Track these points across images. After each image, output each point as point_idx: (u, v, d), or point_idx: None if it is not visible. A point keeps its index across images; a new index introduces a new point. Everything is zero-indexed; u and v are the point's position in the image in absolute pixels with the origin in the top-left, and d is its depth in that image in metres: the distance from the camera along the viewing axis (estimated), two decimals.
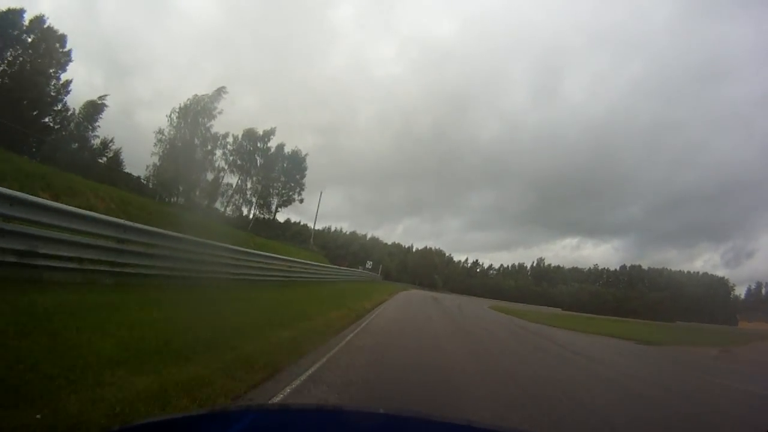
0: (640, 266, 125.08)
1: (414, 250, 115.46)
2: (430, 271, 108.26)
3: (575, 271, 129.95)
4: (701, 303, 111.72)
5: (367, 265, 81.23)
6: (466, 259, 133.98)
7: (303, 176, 58.21)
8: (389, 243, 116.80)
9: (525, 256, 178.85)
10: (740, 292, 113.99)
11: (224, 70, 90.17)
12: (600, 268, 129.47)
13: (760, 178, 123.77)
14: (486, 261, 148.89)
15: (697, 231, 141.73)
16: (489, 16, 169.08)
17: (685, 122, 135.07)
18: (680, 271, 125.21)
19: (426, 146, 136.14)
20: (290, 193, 57.57)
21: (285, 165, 56.42)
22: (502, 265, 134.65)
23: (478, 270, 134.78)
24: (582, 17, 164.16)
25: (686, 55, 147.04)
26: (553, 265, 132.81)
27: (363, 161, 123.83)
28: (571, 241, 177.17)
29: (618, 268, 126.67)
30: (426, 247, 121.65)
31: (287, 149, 56.89)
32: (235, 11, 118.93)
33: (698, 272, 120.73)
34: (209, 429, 1.14)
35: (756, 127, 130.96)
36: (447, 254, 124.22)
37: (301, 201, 58.34)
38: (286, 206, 58.44)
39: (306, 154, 58.89)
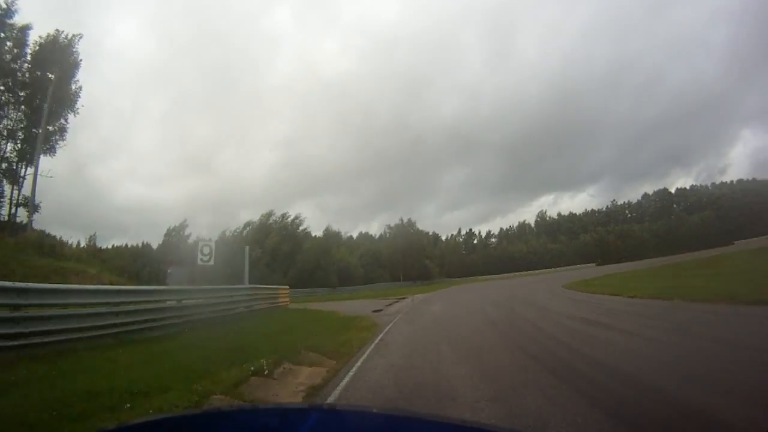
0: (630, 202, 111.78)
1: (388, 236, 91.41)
2: (417, 256, 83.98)
3: (575, 218, 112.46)
4: (750, 216, 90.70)
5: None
6: (459, 231, 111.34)
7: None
8: (354, 237, 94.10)
9: (504, 224, 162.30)
10: None
11: (170, 104, 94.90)
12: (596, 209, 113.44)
13: (721, 94, 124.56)
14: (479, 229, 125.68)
15: (668, 160, 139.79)
16: None
17: (641, 55, 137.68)
18: (707, 186, 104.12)
19: (390, 136, 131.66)
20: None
21: None
22: (502, 228, 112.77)
23: (475, 242, 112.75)
24: None
25: None
26: (553, 216, 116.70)
27: (328, 165, 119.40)
28: (547, 199, 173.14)
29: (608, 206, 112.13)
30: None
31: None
32: (169, 41, 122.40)
33: (731, 181, 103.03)
34: (204, 429, 1.16)
35: (711, 45, 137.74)
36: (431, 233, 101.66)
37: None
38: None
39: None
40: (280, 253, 62.90)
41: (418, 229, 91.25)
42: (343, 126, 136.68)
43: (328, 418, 1.14)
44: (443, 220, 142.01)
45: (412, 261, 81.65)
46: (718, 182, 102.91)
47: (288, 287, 28.32)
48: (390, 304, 24.46)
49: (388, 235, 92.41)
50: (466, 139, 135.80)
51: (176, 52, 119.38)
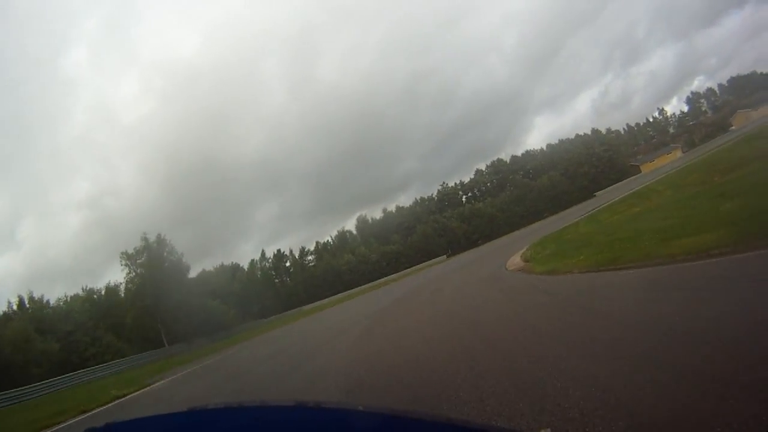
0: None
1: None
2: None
3: (404, 212, 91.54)
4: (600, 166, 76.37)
5: None
6: (263, 254, 79.37)
7: None
8: None
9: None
10: None
11: None
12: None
13: (513, 91, 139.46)
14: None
15: (472, 157, 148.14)
16: (231, 19, 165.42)
17: (437, 66, 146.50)
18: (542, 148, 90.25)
19: (198, 179, 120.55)
20: None
21: None
22: (318, 242, 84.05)
23: (288, 264, 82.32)
24: None
25: (430, 3, 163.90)
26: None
27: (137, 221, 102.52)
28: (360, 215, 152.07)
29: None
30: None
31: None
32: None
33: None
34: (189, 428, 1.20)
35: (502, 48, 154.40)
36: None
37: None
38: None
39: None
40: None
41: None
42: (149, 176, 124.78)
43: (312, 417, 1.13)
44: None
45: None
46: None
47: None
48: None
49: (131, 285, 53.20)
50: (276, 170, 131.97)
51: None
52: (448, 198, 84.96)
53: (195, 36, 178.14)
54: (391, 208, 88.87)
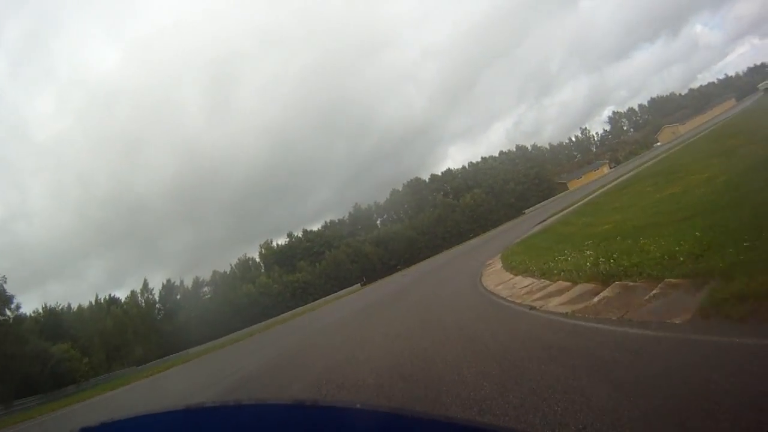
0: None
1: None
2: None
3: (313, 235, 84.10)
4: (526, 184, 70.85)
5: None
6: (145, 284, 66.04)
7: None
8: None
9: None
10: None
11: None
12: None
13: (429, 121, 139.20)
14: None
15: (386, 187, 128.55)
16: (153, 40, 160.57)
17: (356, 95, 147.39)
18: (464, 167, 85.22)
19: (112, 206, 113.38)
20: None
21: None
22: (216, 270, 72.44)
23: (179, 296, 69.66)
24: (250, 21, 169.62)
25: (349, 36, 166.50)
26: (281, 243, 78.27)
27: (48, 249, 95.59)
28: (265, 241, 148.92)
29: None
30: None
31: None
32: None
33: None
34: (187, 426, 1.20)
35: (420, 79, 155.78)
36: None
37: None
38: None
39: None
40: None
41: None
42: (59, 201, 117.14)
43: (314, 415, 1.12)
44: None
45: None
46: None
47: None
48: None
49: None
50: (191, 197, 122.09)
51: None
52: (361, 221, 76.26)
53: (116, 54, 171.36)
54: (299, 232, 78.57)
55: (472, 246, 43.03)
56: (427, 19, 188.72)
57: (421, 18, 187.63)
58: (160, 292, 73.13)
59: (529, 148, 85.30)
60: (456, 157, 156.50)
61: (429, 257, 63.50)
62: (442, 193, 75.66)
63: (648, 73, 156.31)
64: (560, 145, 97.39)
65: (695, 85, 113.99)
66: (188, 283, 74.60)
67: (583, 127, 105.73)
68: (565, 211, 29.33)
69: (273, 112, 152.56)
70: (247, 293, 68.42)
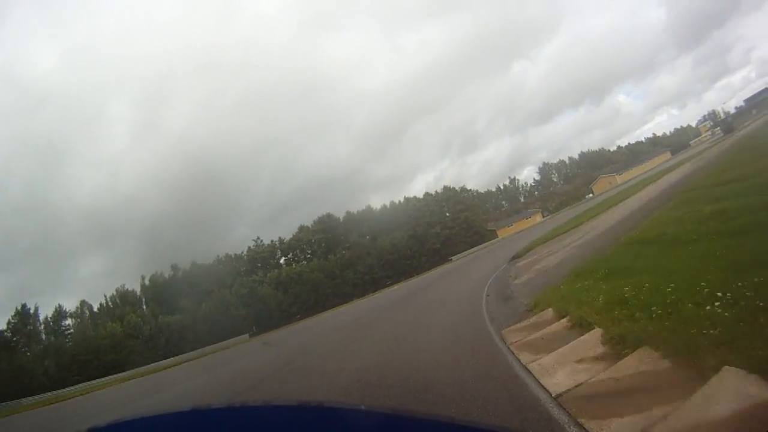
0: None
1: None
2: None
3: (201, 270, 71.90)
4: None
5: None
6: None
7: None
8: None
9: None
10: None
11: None
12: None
13: (354, 167, 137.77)
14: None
15: None
16: (94, 44, 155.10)
17: (285, 134, 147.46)
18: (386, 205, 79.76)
19: (23, 217, 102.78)
20: None
21: None
22: (84, 300, 59.34)
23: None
24: (188, 43, 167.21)
25: (285, 72, 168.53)
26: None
27: None
28: (154, 273, 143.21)
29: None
30: None
31: None
32: None
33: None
34: (192, 427, 1.22)
35: (349, 125, 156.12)
36: None
37: None
38: None
39: None
40: None
41: None
42: None
43: (318, 417, 1.15)
44: None
45: None
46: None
47: None
48: None
49: None
50: (107, 219, 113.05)
51: None
52: (261, 257, 66.79)
53: (53, 53, 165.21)
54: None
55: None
56: (363, 67, 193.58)
57: (357, 64, 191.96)
58: (9, 319, 59.55)
59: (458, 189, 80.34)
60: (377, 206, 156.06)
61: (337, 306, 55.42)
62: (357, 233, 68.19)
63: (569, 137, 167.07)
64: (488, 192, 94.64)
65: (623, 143, 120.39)
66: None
67: (512, 176, 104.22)
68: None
69: (199, 139, 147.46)
70: (111, 333, 56.49)
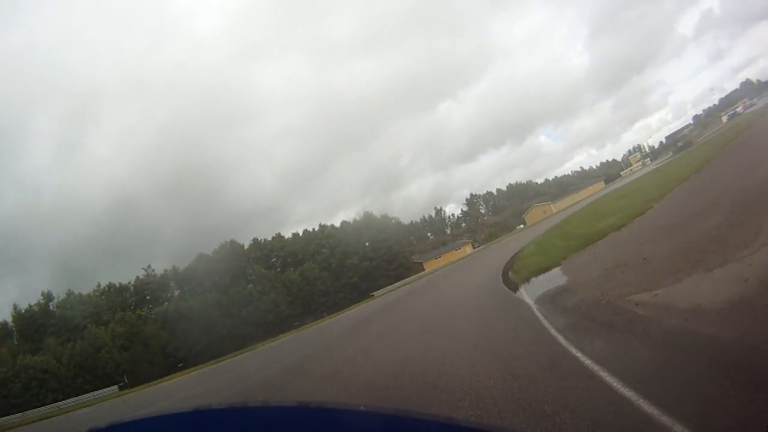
0: None
1: None
2: None
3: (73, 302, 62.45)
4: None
5: None
6: None
7: None
8: None
9: None
10: None
11: None
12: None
13: (276, 202, 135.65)
14: None
15: None
16: (24, 51, 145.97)
17: (209, 164, 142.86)
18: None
19: None
20: None
21: None
22: None
23: None
24: (126, 61, 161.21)
25: (213, 101, 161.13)
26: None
27: None
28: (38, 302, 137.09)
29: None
30: None
31: None
32: None
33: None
34: (193, 428, 1.23)
35: (274, 159, 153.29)
36: None
37: None
38: None
39: None
40: None
41: None
42: None
43: (318, 417, 1.17)
44: None
45: None
46: None
47: None
48: None
49: None
50: (20, 245, 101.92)
51: None
52: (150, 289, 59.66)
53: None
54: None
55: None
56: (291, 100, 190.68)
57: (285, 98, 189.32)
58: None
59: (379, 217, 76.99)
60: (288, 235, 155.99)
61: (234, 354, 49.22)
62: (264, 264, 62.70)
63: (491, 175, 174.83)
64: (412, 224, 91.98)
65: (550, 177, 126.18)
66: None
67: (438, 207, 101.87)
68: None
69: (124, 164, 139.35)
70: None
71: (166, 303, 56.08)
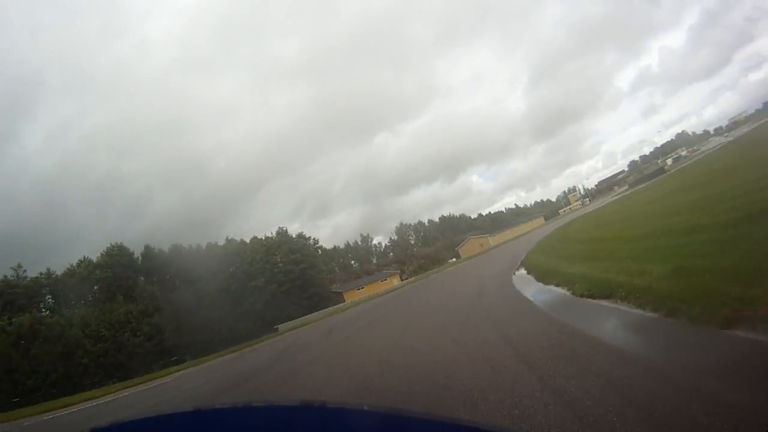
0: None
1: None
2: None
3: None
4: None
5: None
6: None
7: None
8: None
9: None
10: None
11: None
12: None
13: (203, 219, 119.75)
14: None
15: None
16: None
17: (138, 173, 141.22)
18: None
19: None
20: None
21: None
22: None
23: None
24: (66, 52, 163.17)
25: (150, 108, 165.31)
26: None
27: None
28: None
29: None
30: None
31: None
32: None
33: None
34: (196, 428, 1.24)
35: (208, 171, 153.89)
36: None
37: None
38: None
39: None
40: None
41: None
42: None
43: (322, 417, 1.19)
44: None
45: None
46: None
47: None
48: None
49: None
50: None
51: None
52: (16, 295, 50.92)
53: None
54: None
55: None
56: (230, 116, 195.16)
57: (224, 112, 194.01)
58: None
59: (294, 236, 70.38)
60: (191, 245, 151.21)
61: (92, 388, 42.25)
62: (152, 280, 55.99)
63: (420, 210, 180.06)
64: (335, 249, 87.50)
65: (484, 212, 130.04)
66: None
67: (365, 233, 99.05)
68: None
69: (53, 162, 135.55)
70: None
71: (28, 314, 47.90)
